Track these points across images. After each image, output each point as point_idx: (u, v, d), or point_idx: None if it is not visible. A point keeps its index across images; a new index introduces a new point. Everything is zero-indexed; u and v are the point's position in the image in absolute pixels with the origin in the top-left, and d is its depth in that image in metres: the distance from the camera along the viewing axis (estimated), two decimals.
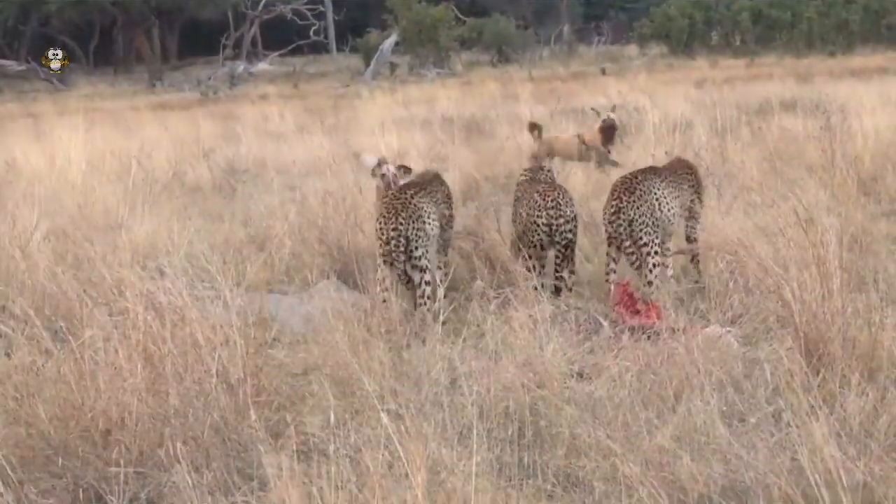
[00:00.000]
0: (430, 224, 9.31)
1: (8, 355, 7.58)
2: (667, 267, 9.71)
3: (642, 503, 5.37)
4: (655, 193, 9.39)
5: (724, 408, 6.43)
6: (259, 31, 64.67)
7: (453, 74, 49.79)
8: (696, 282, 9.62)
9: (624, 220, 9.27)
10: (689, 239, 10.00)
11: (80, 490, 6.00)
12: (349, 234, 10.70)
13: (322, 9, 62.86)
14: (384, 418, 5.49)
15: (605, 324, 8.39)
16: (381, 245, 9.18)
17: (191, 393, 6.44)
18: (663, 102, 21.20)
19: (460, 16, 56.81)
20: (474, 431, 5.63)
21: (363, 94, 32.85)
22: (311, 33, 61.40)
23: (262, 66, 58.53)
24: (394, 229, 9.07)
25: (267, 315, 8.27)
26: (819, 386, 6.45)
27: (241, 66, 56.13)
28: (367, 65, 53.38)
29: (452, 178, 14.30)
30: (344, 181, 13.04)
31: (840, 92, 22.45)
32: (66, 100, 41.70)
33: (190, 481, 5.54)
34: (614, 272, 9.37)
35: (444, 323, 7.75)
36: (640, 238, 9.25)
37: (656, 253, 9.26)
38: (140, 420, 6.26)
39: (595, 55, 57.81)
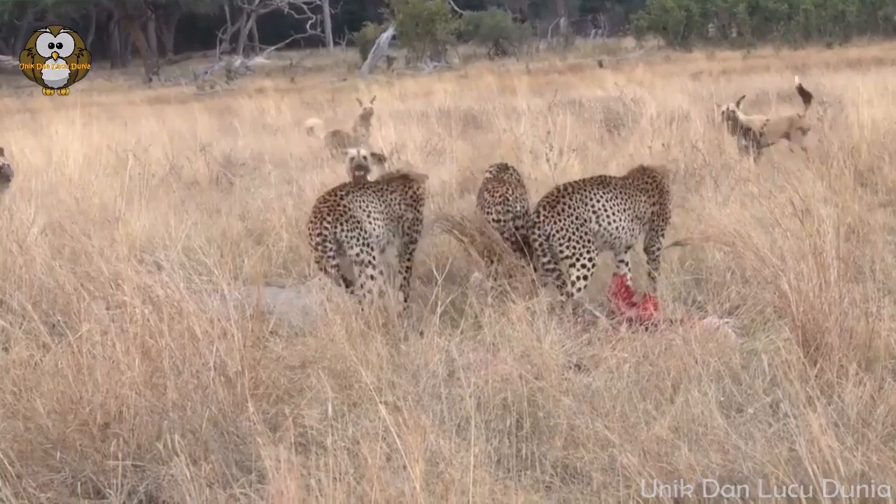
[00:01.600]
0: (371, 223, 9.10)
1: (6, 349, 7.58)
2: (657, 267, 9.44)
3: (640, 493, 5.37)
4: (592, 206, 9.00)
5: (722, 398, 6.45)
6: (255, 25, 64.66)
7: (450, 68, 49.78)
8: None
9: (540, 235, 8.96)
10: (646, 250, 9.46)
11: (79, 483, 6.00)
12: None
13: (318, 2, 62.79)
14: (382, 410, 5.50)
15: (602, 316, 8.39)
16: (311, 250, 9.05)
17: (189, 386, 6.44)
18: (660, 95, 21.20)
19: (457, 9, 56.78)
20: (472, 423, 5.64)
21: (360, 87, 32.80)
22: (308, 27, 61.35)
23: (259, 60, 58.48)
24: (318, 234, 8.87)
25: (264, 308, 8.27)
26: (816, 376, 6.46)
27: (237, 61, 56.12)
28: (364, 58, 53.39)
29: (449, 171, 14.33)
30: (341, 174, 13.02)
31: (837, 83, 22.48)
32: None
33: (188, 474, 5.54)
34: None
35: (441, 315, 7.74)
36: (563, 251, 8.92)
37: (583, 266, 8.89)
38: (138, 413, 6.27)
39: (592, 48, 57.78)
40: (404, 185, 9.56)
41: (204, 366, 6.55)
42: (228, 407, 6.39)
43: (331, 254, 8.85)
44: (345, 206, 8.99)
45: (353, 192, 9.18)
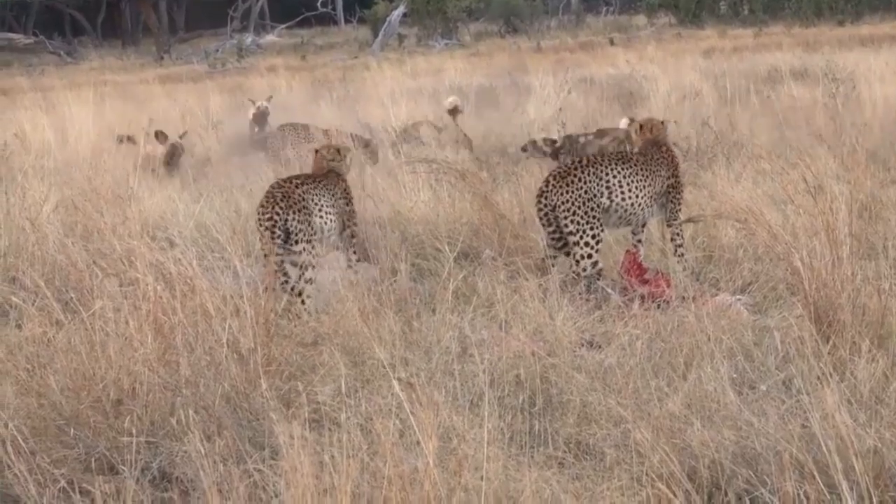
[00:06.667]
0: (322, 217, 8.83)
1: (19, 326, 7.62)
2: (682, 243, 9.25)
3: (653, 469, 5.38)
4: (606, 182, 8.89)
5: (735, 375, 6.44)
6: (266, 2, 64.53)
7: (461, 45, 49.65)
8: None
9: (546, 206, 8.87)
10: (668, 224, 9.28)
11: (92, 460, 6.02)
12: (360, 203, 10.66)
13: None
14: (395, 387, 5.50)
15: (614, 293, 8.39)
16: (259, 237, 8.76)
17: (202, 363, 6.46)
18: (672, 72, 21.12)
19: None
20: (485, 399, 5.64)
21: (371, 65, 32.75)
22: (319, 5, 61.18)
23: (270, 37, 58.33)
24: (269, 219, 8.61)
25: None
26: (829, 353, 6.45)
27: (248, 38, 55.91)
28: (375, 36, 53.24)
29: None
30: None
31: (849, 60, 22.35)
32: (74, 73, 41.61)
33: (202, 450, 5.55)
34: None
35: (453, 292, 7.74)
36: (567, 226, 8.82)
37: (586, 244, 8.78)
38: (151, 390, 6.29)
39: (603, 25, 57.48)
40: (336, 176, 9.18)
41: (217, 342, 6.56)
42: (241, 383, 6.40)
43: (278, 241, 8.60)
44: (300, 195, 8.72)
45: (306, 183, 8.90)
